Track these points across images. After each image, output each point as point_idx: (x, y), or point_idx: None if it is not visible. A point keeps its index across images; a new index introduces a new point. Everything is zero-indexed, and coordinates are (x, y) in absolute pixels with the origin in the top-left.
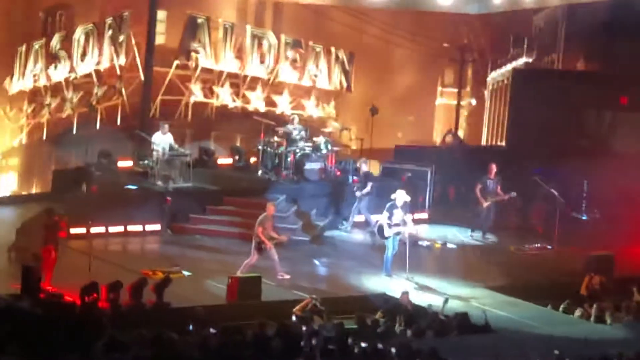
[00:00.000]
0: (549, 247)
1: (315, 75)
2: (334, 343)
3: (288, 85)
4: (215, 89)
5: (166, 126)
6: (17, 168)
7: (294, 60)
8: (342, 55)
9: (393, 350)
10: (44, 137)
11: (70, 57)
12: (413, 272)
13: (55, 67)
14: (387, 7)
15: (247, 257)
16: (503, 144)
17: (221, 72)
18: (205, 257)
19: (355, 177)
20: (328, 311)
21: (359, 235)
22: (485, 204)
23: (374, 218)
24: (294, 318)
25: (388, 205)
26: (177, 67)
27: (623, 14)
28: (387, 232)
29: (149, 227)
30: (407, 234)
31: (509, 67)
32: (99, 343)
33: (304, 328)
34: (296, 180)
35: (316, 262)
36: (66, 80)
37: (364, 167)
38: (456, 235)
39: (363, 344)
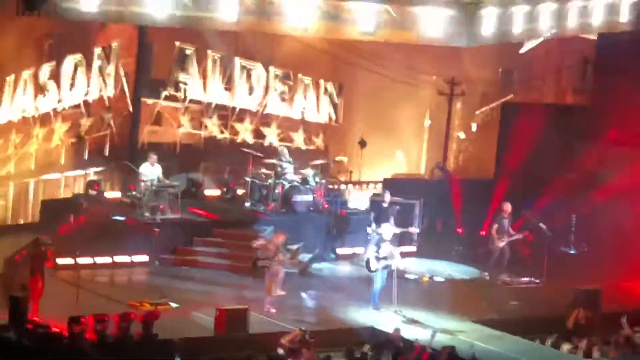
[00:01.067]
0: (537, 281)
1: (304, 108)
2: None
3: (276, 118)
4: (204, 120)
5: (154, 157)
6: (4, 198)
7: (283, 93)
8: (330, 87)
9: None
10: (32, 167)
11: (58, 87)
12: (401, 306)
13: (44, 97)
14: (376, 39)
15: (235, 289)
16: (491, 177)
17: (210, 104)
18: (193, 288)
19: (343, 210)
20: (316, 344)
21: (346, 268)
22: (501, 244)
23: (361, 251)
24: (280, 351)
25: (376, 238)
26: (166, 98)
27: (610, 48)
28: (375, 265)
29: (137, 259)
30: (394, 267)
31: (498, 100)
32: None
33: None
34: (284, 213)
35: (303, 295)
36: (54, 110)
37: (388, 197)
38: (445, 268)
39: None
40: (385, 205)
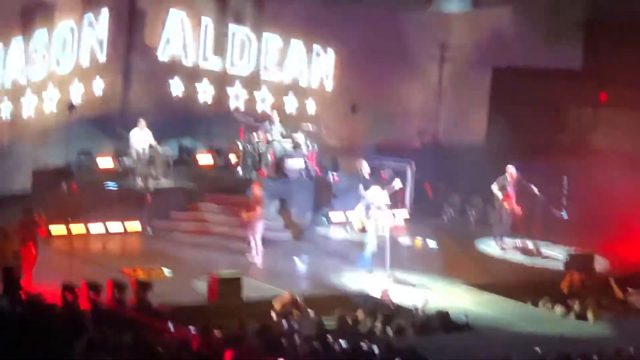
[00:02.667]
0: (530, 244)
1: (296, 73)
2: (314, 341)
3: (268, 83)
4: (195, 86)
5: (143, 122)
6: None
7: (274, 58)
8: (323, 52)
9: (375, 348)
10: (24, 136)
11: (49, 55)
12: (393, 269)
13: (35, 64)
14: (368, 4)
15: (229, 256)
16: (483, 141)
17: (201, 69)
18: (186, 255)
19: (335, 175)
20: (307, 306)
21: (339, 233)
22: (506, 205)
23: (353, 215)
24: (273, 315)
25: (367, 202)
26: (157, 64)
27: (603, 10)
28: (367, 229)
29: (130, 226)
30: (387, 231)
31: (489, 65)
32: (79, 343)
33: (285, 324)
34: (277, 178)
35: (296, 259)
36: (45, 78)
37: (366, 167)
38: (437, 232)
39: (343, 342)
40: (365, 175)
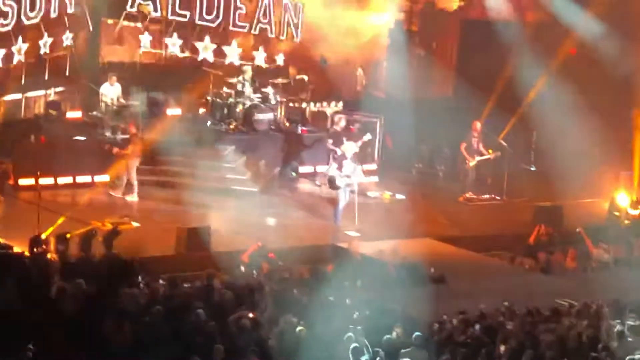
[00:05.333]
0: (498, 198)
1: (265, 26)
2: (282, 294)
3: (237, 36)
4: (164, 39)
5: (114, 77)
6: None
7: (243, 10)
8: (291, 4)
9: (347, 301)
10: None
11: (19, 6)
12: (362, 223)
13: (3, 17)
14: None
15: (195, 208)
16: (450, 95)
17: (170, 22)
18: (155, 207)
19: (304, 128)
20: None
21: (307, 186)
22: (472, 163)
23: (322, 169)
24: (242, 267)
25: (337, 155)
26: (126, 17)
27: None
28: (339, 182)
29: (98, 178)
30: (357, 185)
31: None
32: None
33: (254, 273)
34: (245, 131)
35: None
36: (14, 30)
37: (342, 122)
38: (405, 185)
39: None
40: (338, 129)
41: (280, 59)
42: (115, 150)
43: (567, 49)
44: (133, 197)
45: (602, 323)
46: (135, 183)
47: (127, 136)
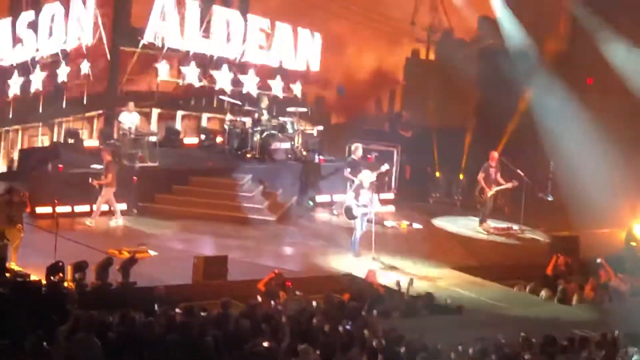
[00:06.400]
0: (515, 227)
1: (282, 56)
2: (300, 323)
3: (254, 66)
4: (182, 68)
5: (131, 104)
6: None
7: (261, 41)
8: (309, 35)
9: (365, 332)
10: (11, 116)
11: (36, 36)
12: (379, 252)
13: (22, 45)
14: None
15: (214, 237)
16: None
17: (188, 52)
18: (172, 236)
19: (321, 157)
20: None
21: (325, 215)
22: (490, 193)
23: (339, 198)
24: (259, 297)
25: (355, 185)
26: (144, 46)
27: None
28: (356, 212)
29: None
30: (374, 214)
31: (475, 47)
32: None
33: (272, 303)
34: (262, 160)
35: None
36: (32, 59)
37: (359, 151)
38: (422, 215)
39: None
40: (356, 158)
41: (297, 89)
42: (94, 181)
43: (585, 78)
44: (118, 222)
45: (619, 354)
46: (118, 209)
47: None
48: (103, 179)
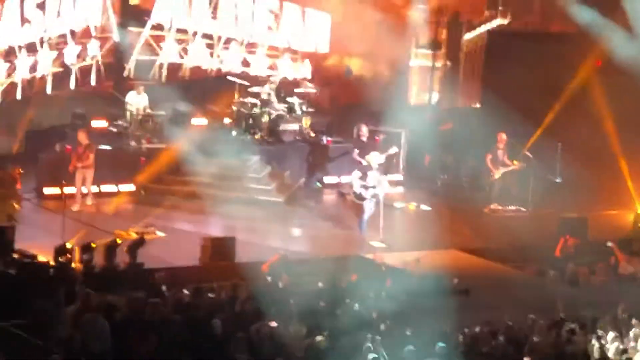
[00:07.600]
0: (524, 209)
1: (291, 36)
2: (305, 305)
3: (262, 46)
4: (190, 49)
5: (141, 87)
6: None
7: (269, 21)
8: (317, 15)
9: (374, 313)
10: (18, 97)
11: (44, 16)
12: (387, 233)
13: (30, 26)
14: None
15: (220, 218)
16: (477, 105)
17: (195, 33)
18: (179, 217)
19: (329, 139)
20: (299, 271)
21: (332, 197)
22: (497, 175)
23: (347, 179)
24: (268, 278)
25: (363, 167)
26: (152, 27)
27: None
28: (363, 194)
29: (123, 188)
30: (382, 196)
31: (484, 28)
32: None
33: (279, 285)
34: (270, 142)
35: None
36: (40, 40)
37: (365, 131)
38: (430, 196)
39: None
40: (364, 139)
41: (306, 70)
42: (72, 166)
43: (593, 59)
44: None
45: (628, 335)
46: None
47: (108, 147)
48: (85, 161)
